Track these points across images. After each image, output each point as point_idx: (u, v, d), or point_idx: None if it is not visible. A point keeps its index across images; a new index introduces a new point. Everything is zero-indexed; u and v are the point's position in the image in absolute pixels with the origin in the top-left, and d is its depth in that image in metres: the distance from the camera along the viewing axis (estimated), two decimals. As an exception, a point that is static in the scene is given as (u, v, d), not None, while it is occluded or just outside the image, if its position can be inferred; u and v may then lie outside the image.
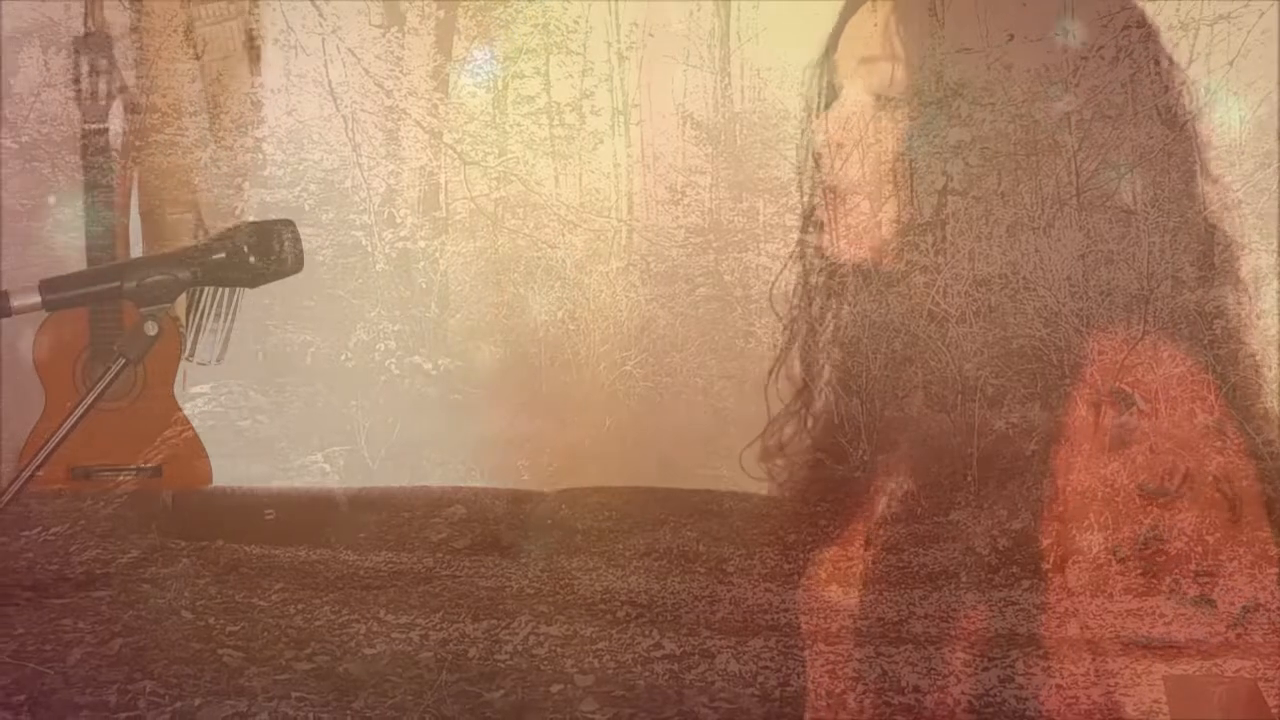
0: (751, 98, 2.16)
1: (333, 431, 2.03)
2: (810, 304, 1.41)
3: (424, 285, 2.09)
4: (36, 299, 1.03)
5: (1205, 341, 1.55)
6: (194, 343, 1.12)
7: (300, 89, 2.08)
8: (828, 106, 1.38)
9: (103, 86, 1.98)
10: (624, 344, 2.11)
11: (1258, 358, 1.43)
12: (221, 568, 1.66)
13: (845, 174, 1.36)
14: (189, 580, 1.63)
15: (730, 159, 2.14)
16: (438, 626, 1.52)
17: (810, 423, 1.40)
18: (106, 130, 1.98)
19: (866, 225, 1.38)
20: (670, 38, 2.14)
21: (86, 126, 1.97)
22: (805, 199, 1.40)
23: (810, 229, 1.42)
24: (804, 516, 1.54)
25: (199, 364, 1.10)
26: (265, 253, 1.07)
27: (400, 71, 2.08)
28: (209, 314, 1.09)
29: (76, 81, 1.97)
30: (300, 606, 1.58)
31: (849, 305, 1.41)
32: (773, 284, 1.50)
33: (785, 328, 1.42)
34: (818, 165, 1.37)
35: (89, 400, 1.03)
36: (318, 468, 2.00)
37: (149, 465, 1.85)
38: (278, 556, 1.69)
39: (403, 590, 1.61)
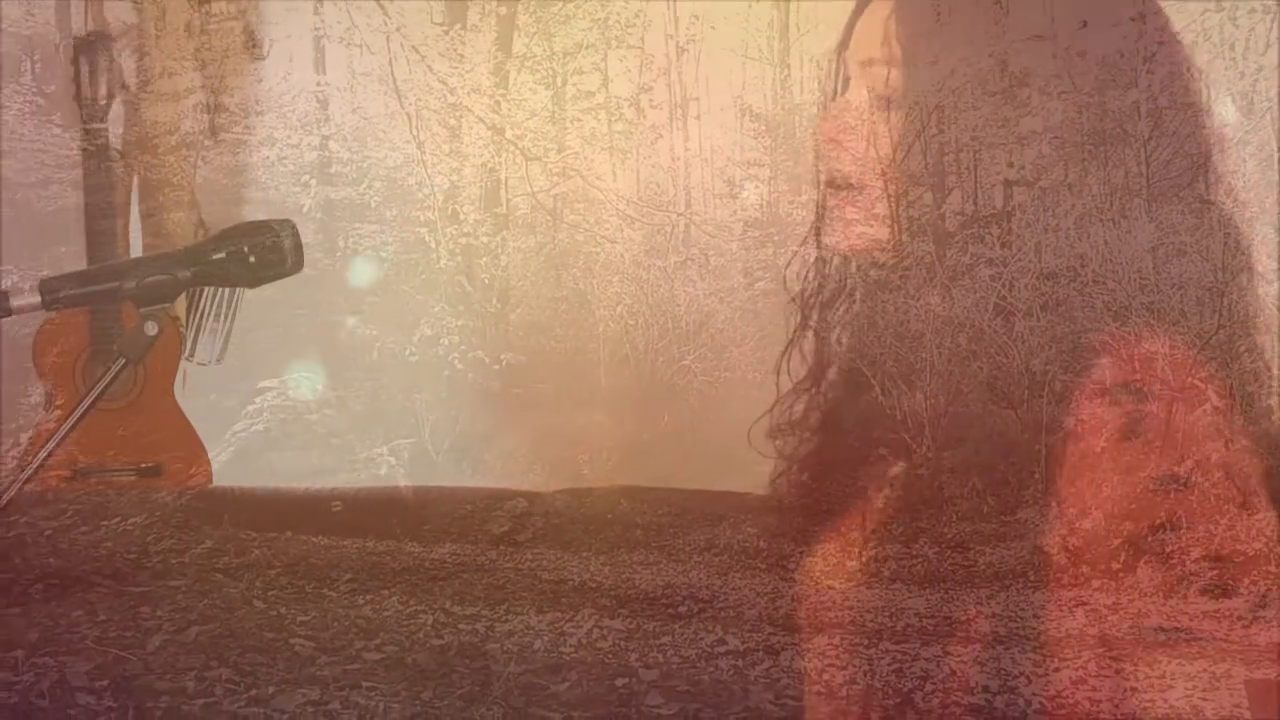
0: (811, 89, 2.14)
1: (398, 425, 2.07)
2: (822, 288, 1.41)
3: (486, 281, 2.11)
4: (36, 299, 1.04)
5: (1286, 336, 1.50)
6: (194, 343, 1.12)
7: (365, 87, 2.11)
8: (839, 97, 1.37)
9: (103, 86, 1.99)
10: (682, 339, 2.11)
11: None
12: (291, 558, 1.70)
13: (854, 166, 1.35)
14: (260, 570, 1.67)
15: (789, 151, 2.13)
16: (503, 618, 1.54)
17: (820, 400, 1.40)
18: (106, 130, 1.99)
19: (872, 216, 1.37)
20: (730, 30, 2.13)
21: (86, 126, 1.99)
22: (820, 188, 1.39)
23: (824, 216, 1.41)
24: (865, 513, 1.53)
25: (199, 364, 1.11)
26: (265, 252, 1.07)
27: (463, 69, 2.10)
28: (209, 314, 1.10)
29: (76, 81, 1.98)
30: (369, 597, 1.60)
31: (861, 292, 1.41)
32: (785, 267, 1.50)
33: (798, 309, 1.41)
34: (829, 155, 1.37)
35: (89, 400, 1.04)
36: (383, 460, 2.04)
37: (148, 465, 1.86)
38: (345, 548, 1.72)
39: (467, 582, 1.63)
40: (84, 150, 1.99)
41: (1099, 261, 1.62)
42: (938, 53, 1.57)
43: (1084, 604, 1.42)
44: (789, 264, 1.52)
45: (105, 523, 1.76)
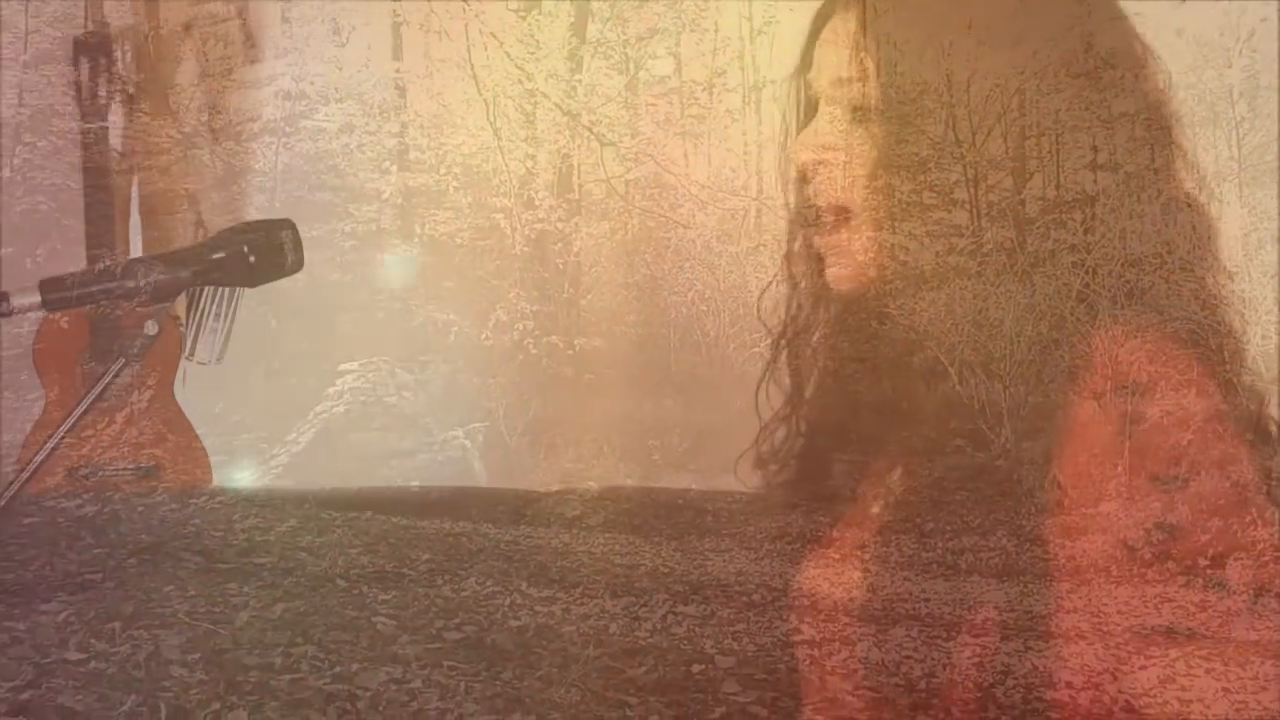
0: (887, 70, 2.10)
1: (473, 408, 2.10)
2: (797, 315, 1.40)
3: (559, 266, 2.13)
4: (36, 299, 1.05)
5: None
6: (194, 342, 1.13)
7: (443, 73, 2.13)
8: (805, 124, 1.35)
9: (103, 85, 1.99)
10: (753, 325, 2.10)
11: None
12: (371, 538, 1.74)
13: (840, 192, 1.34)
14: (342, 549, 1.71)
15: (865, 135, 2.10)
16: (578, 601, 1.56)
17: (801, 426, 1.40)
18: (106, 129, 2.00)
19: (848, 243, 1.35)
20: (806, 12, 2.10)
21: (86, 125, 2.01)
22: (790, 215, 1.38)
23: (796, 243, 1.40)
24: (942, 504, 1.51)
25: (199, 364, 1.12)
26: (265, 252, 1.08)
27: (539, 54, 2.11)
28: (209, 314, 1.10)
29: (76, 80, 1.99)
30: (447, 577, 1.63)
31: (834, 317, 1.39)
32: (760, 296, 1.49)
33: (774, 339, 1.40)
34: (801, 183, 1.35)
35: (89, 400, 1.05)
36: (458, 443, 2.07)
37: (147, 464, 1.88)
38: (423, 528, 1.76)
39: (541, 565, 1.65)
40: (84, 149, 2.02)
41: (1187, 248, 1.57)
42: (1020, 33, 1.53)
43: (1170, 600, 1.39)
44: (763, 294, 1.51)
45: (193, 500, 1.82)
